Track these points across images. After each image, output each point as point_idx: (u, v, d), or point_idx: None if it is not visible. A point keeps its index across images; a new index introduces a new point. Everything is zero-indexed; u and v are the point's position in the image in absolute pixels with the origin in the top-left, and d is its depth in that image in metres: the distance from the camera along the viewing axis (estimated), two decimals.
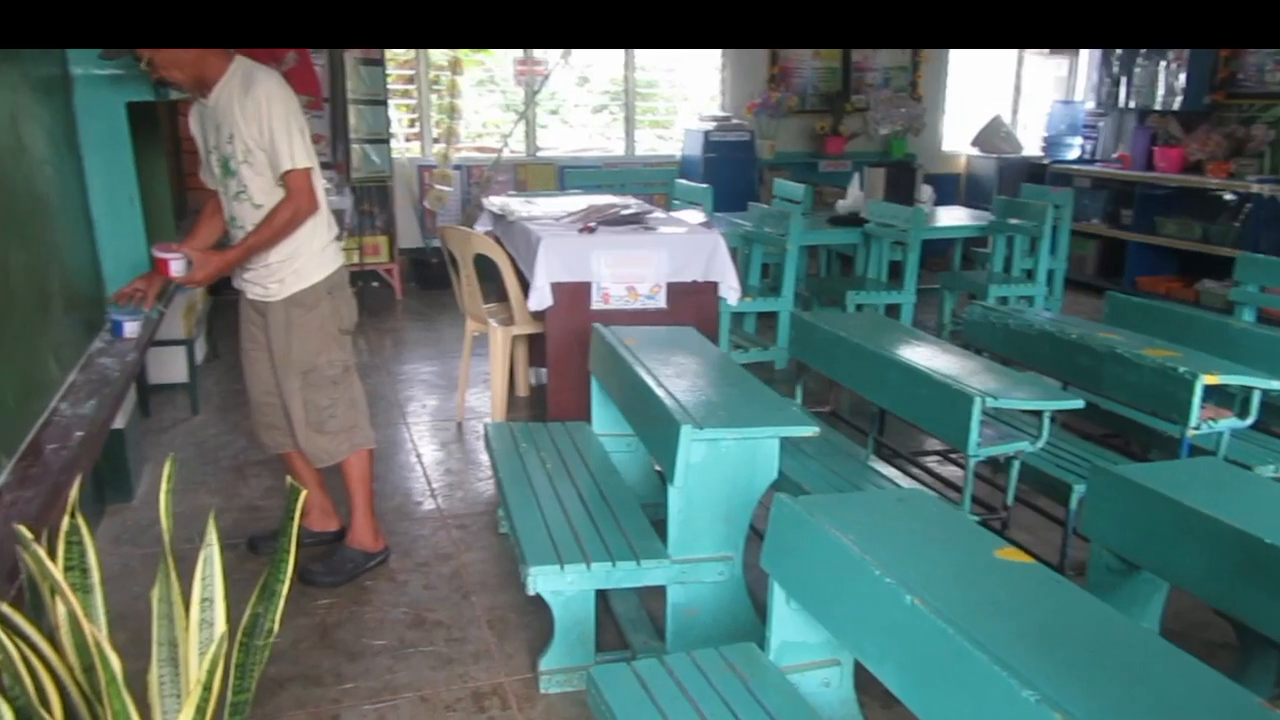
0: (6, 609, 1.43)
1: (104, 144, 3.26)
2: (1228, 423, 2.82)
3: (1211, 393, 2.81)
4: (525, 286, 4.01)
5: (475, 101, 7.94)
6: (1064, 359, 3.28)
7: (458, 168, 7.43)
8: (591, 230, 4.01)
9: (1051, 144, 8.49)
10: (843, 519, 1.91)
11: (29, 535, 1.45)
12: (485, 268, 4.30)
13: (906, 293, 5.62)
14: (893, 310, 5.71)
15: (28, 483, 1.97)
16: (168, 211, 4.28)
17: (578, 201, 4.84)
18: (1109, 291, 4.08)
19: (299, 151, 2.76)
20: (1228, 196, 6.76)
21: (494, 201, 4.84)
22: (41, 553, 1.40)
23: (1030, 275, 6.01)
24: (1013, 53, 8.94)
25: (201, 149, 2.95)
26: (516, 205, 4.71)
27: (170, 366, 4.63)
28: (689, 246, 4.00)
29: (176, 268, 2.82)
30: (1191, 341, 3.35)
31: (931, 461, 3.92)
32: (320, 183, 2.89)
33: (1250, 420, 2.85)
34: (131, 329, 3.09)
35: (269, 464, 3.96)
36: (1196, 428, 2.75)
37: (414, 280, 7.38)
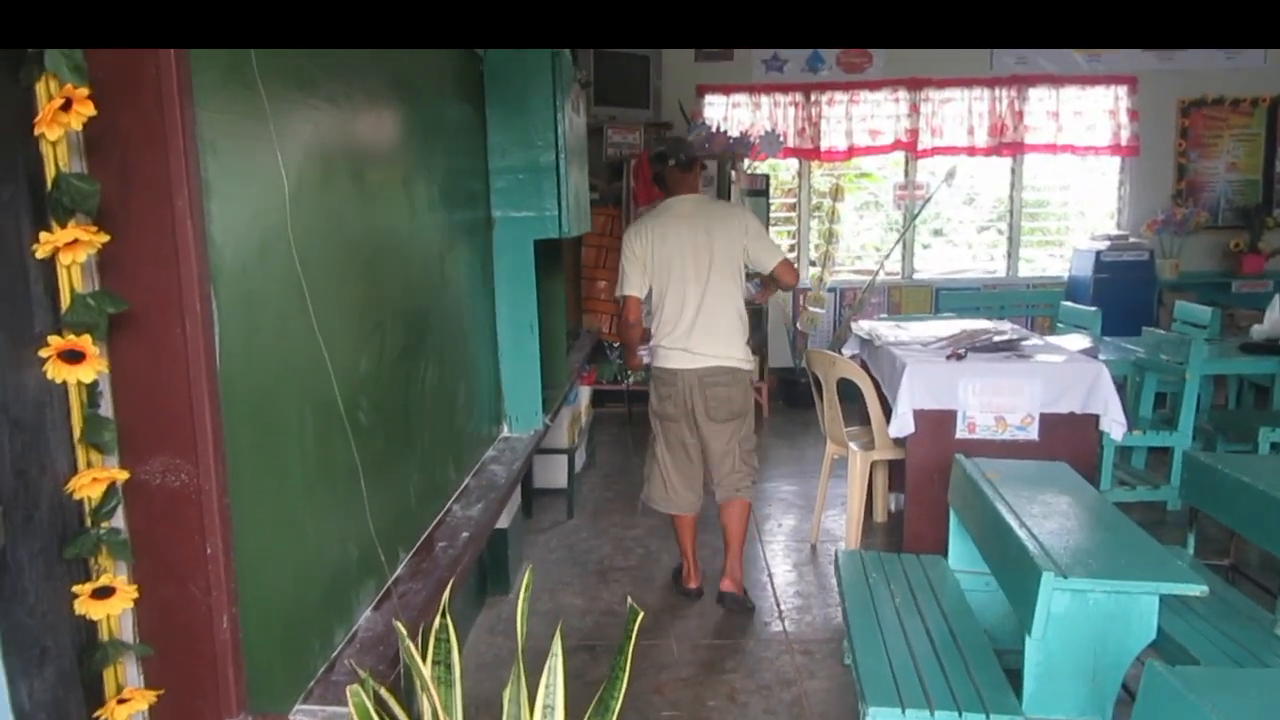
0: (385, 693, 1.64)
1: (513, 276, 3.72)
2: None
3: None
4: (888, 411, 3.96)
5: (855, 224, 8.08)
6: None
7: (832, 290, 7.56)
8: (960, 357, 3.90)
9: None
10: (1234, 701, 1.66)
11: (404, 631, 1.66)
12: (849, 391, 4.31)
13: None
14: None
15: (418, 576, 2.25)
16: (561, 336, 4.75)
17: (949, 326, 4.73)
18: None
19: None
20: None
21: (862, 326, 4.86)
22: (413, 649, 1.60)
23: None
24: None
25: None
26: (884, 330, 4.70)
27: (553, 472, 5.08)
28: (1067, 376, 3.76)
29: None
30: None
31: None
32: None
33: None
34: None
35: (630, 570, 4.18)
36: None
37: (781, 399, 7.53)
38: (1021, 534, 2.52)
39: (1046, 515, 2.70)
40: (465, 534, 2.56)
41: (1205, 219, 7.45)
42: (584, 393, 5.67)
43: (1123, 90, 7.46)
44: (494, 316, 3.71)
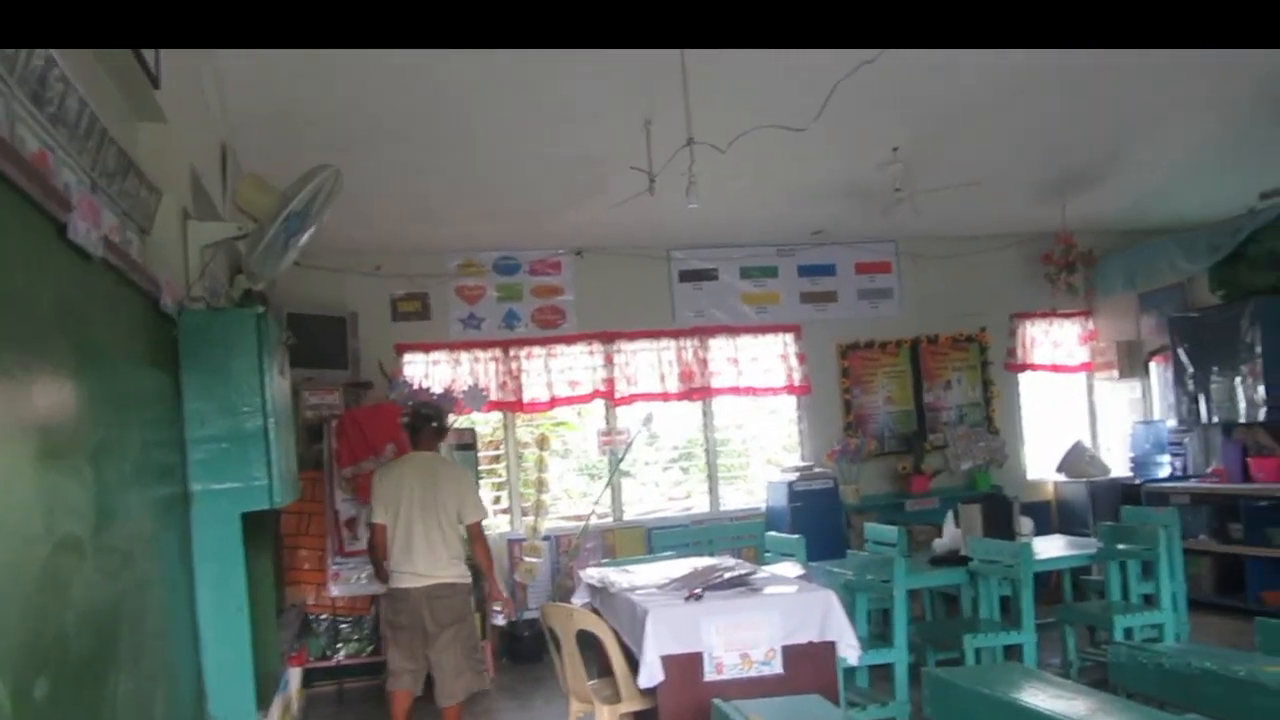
0: None
1: (216, 555, 3.30)
2: None
3: None
4: (630, 660, 3.83)
5: (558, 466, 8.15)
6: (1237, 701, 2.96)
7: (546, 538, 7.47)
8: (698, 597, 3.89)
9: (1139, 464, 8.35)
10: None
11: None
12: (584, 640, 4.15)
13: (1026, 632, 5.27)
14: (1012, 651, 5.36)
15: None
16: (271, 615, 4.26)
17: (676, 566, 4.75)
18: (1259, 618, 3.77)
19: None
20: None
21: (592, 574, 4.78)
22: None
23: (1149, 601, 5.68)
24: (1081, 380, 9.05)
25: None
26: (615, 576, 4.64)
27: None
28: (801, 606, 3.84)
29: None
30: None
31: None
32: None
33: None
34: None
35: None
36: None
37: (506, 656, 7.16)
38: None
39: None
40: None
41: (875, 447, 8.24)
42: (294, 675, 5.06)
43: (789, 337, 8.27)
44: (194, 603, 3.25)
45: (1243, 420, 7.31)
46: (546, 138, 5.34)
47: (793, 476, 7.76)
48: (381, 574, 4.90)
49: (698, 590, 3.96)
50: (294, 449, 4.08)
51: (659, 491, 8.34)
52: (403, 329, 7.54)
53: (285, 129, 4.82)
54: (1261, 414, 7.10)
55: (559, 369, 7.80)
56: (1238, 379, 7.29)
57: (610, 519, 7.92)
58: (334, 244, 7.00)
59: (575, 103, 4.87)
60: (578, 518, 7.70)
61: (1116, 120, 5.93)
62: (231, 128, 4.68)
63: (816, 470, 7.86)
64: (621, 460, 7.77)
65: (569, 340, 7.83)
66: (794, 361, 8.26)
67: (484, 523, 4.95)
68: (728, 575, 4.20)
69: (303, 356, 6.71)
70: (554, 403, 7.81)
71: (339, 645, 6.57)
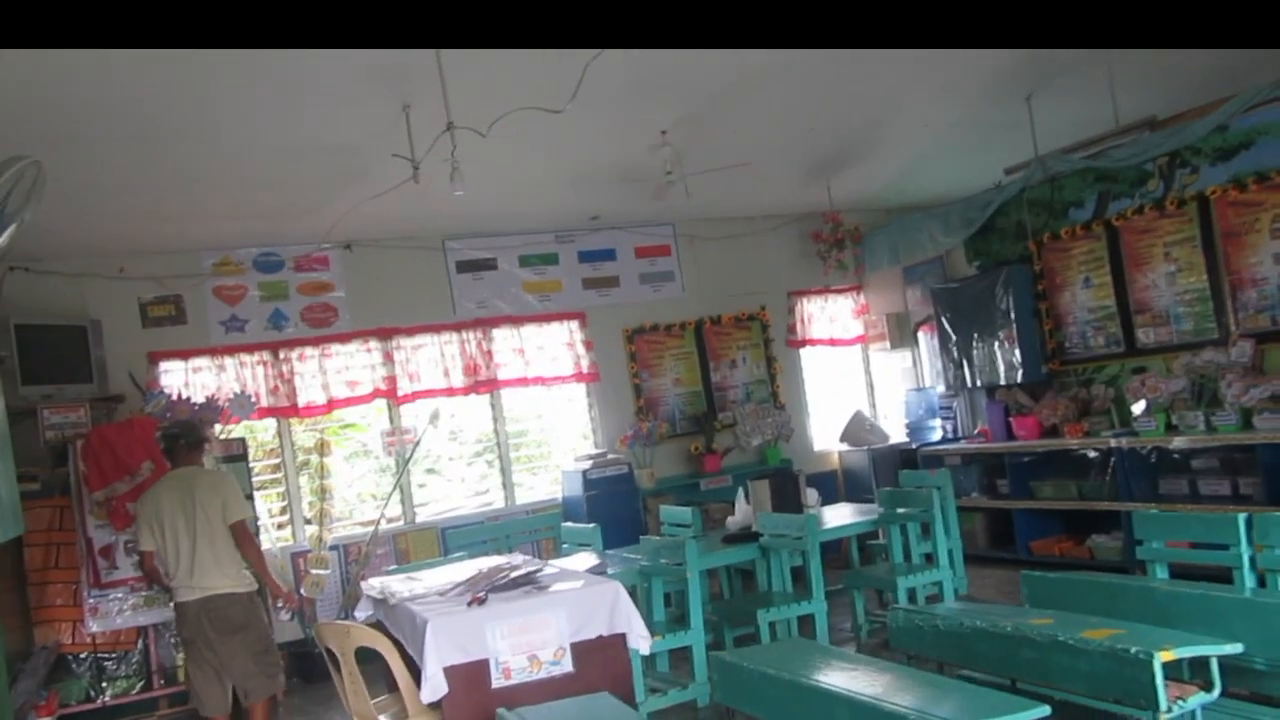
0: None
1: None
2: (1197, 699, 2.62)
3: (1166, 668, 2.62)
4: (417, 674, 3.62)
5: (348, 473, 7.74)
6: (1006, 655, 3.08)
7: (334, 548, 7.07)
8: (482, 601, 3.71)
9: (914, 429, 8.77)
10: None
11: None
12: (371, 655, 3.89)
13: (816, 601, 5.42)
14: (806, 620, 5.48)
15: None
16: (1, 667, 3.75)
17: (464, 569, 4.55)
18: (1024, 572, 3.97)
19: None
20: (1090, 454, 6.99)
21: (373, 585, 4.50)
22: None
23: (930, 559, 5.96)
24: (858, 352, 9.43)
25: None
26: (397, 585, 4.39)
27: None
28: (588, 601, 3.74)
29: None
30: (1124, 613, 3.22)
31: None
32: None
33: (1217, 692, 2.66)
34: None
35: None
36: (1169, 711, 2.53)
37: (296, 675, 6.72)
38: None
39: None
40: None
41: (666, 429, 8.28)
42: None
43: (575, 324, 8.18)
44: None
45: (1003, 383, 7.79)
46: (296, 124, 4.97)
47: (587, 465, 7.68)
48: (170, 594, 4.96)
49: (481, 594, 3.78)
50: (11, 478, 3.60)
51: (465, 488, 8.07)
52: (156, 336, 6.92)
53: None
54: (1019, 376, 7.59)
55: (335, 369, 7.39)
56: (995, 344, 7.76)
57: (402, 522, 7.58)
58: (69, 246, 6.34)
59: (326, 87, 4.54)
60: (371, 523, 7.33)
61: (867, 103, 6.19)
62: None
63: (610, 457, 7.81)
64: (410, 460, 7.45)
65: (344, 339, 7.43)
66: (580, 349, 8.17)
67: (267, 537, 4.89)
68: (513, 575, 4.05)
69: (39, 371, 6.05)
70: (332, 405, 7.40)
71: (104, 685, 5.97)
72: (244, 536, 4.83)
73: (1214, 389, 6.16)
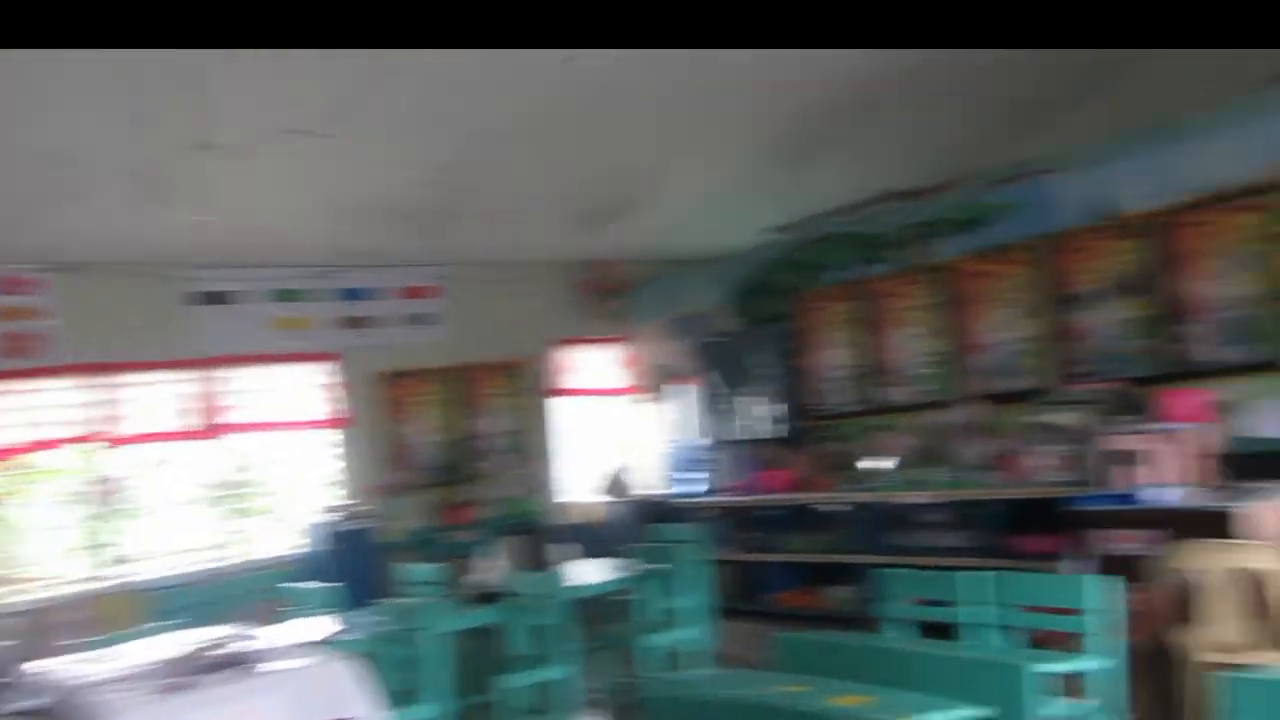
0: None
1: None
2: None
3: None
4: None
5: (46, 525, 6.77)
6: None
7: (16, 615, 6.13)
8: (178, 688, 3.19)
9: (677, 481, 8.75)
10: None
11: None
12: None
13: (554, 668, 5.15)
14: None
15: None
16: None
17: (161, 645, 3.93)
18: (777, 633, 3.89)
19: None
20: (833, 508, 7.16)
21: (36, 668, 3.76)
22: None
23: (678, 615, 5.85)
24: (623, 403, 9.36)
25: None
26: (77, 667, 3.73)
27: None
28: (311, 682, 3.30)
29: None
30: (870, 675, 3.16)
31: None
32: None
33: None
34: None
35: None
36: None
37: None
38: None
39: None
40: None
41: (419, 479, 7.86)
42: None
43: (327, 366, 7.63)
44: None
45: (761, 436, 7.90)
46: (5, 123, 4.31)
47: (334, 516, 7.13)
48: None
49: (179, 679, 3.26)
50: None
51: (190, 540, 7.22)
52: None
53: None
54: (776, 430, 7.72)
55: (39, 407, 6.50)
56: (755, 398, 7.88)
57: (109, 582, 6.70)
58: None
59: (40, 86, 3.93)
60: (72, 583, 6.43)
61: (638, 157, 6.18)
62: None
63: (359, 508, 7.30)
64: (117, 511, 6.61)
65: (51, 373, 6.55)
66: (332, 391, 7.63)
67: None
68: (221, 652, 3.53)
69: None
70: (34, 447, 6.50)
71: None
72: None
73: (946, 447, 6.48)
